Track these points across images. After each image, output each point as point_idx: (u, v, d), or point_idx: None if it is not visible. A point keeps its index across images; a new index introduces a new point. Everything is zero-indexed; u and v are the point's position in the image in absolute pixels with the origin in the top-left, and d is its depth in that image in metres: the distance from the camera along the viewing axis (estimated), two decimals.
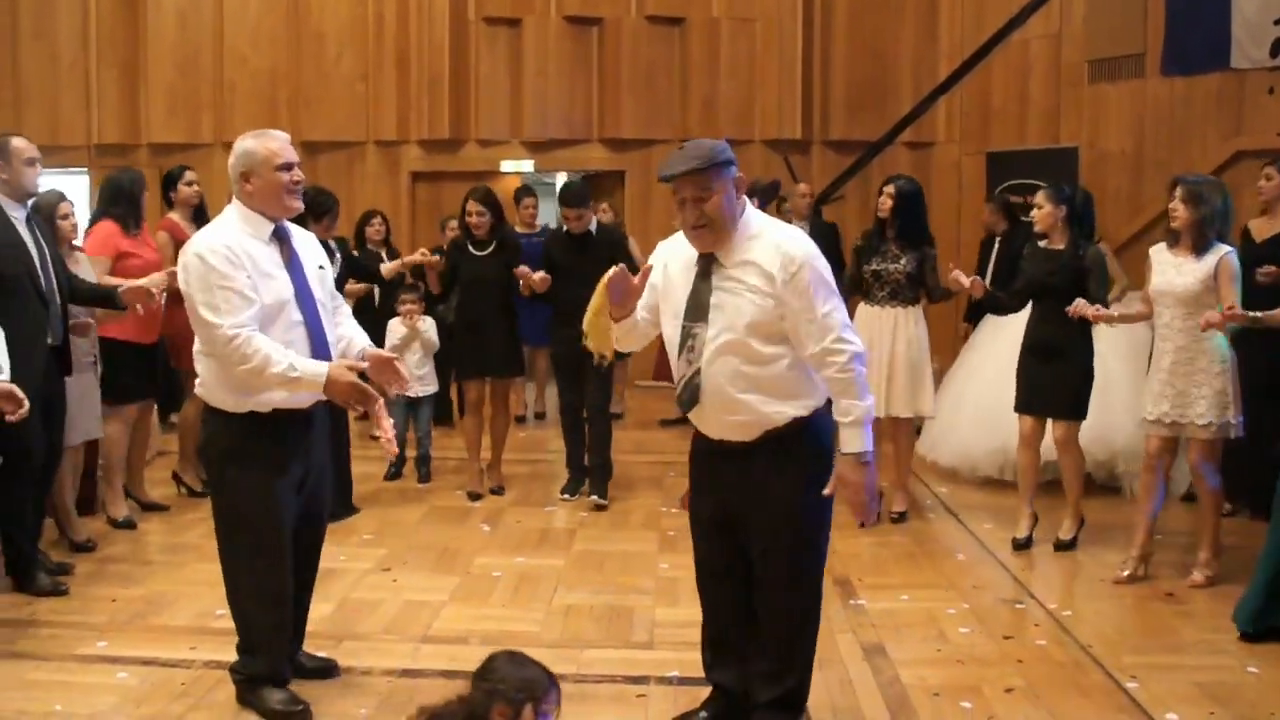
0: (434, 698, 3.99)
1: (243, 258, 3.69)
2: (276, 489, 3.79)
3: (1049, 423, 6.01)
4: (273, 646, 3.90)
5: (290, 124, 11.11)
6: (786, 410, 3.43)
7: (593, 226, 6.99)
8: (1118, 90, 10.28)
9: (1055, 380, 5.88)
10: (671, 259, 3.60)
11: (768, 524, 3.49)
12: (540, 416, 9.63)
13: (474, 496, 6.97)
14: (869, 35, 11.53)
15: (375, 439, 7.87)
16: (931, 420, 7.27)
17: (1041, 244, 6.04)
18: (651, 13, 11.33)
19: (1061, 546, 5.97)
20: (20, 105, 11.26)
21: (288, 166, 3.82)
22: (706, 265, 3.45)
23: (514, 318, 7.01)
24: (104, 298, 5.37)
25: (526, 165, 11.62)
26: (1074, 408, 5.90)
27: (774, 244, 3.40)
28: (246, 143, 3.84)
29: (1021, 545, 6.01)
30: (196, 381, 3.89)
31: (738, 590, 3.68)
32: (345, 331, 4.09)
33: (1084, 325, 5.76)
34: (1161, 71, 9.87)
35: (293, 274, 3.84)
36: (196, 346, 3.82)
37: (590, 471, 6.99)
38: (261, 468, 3.76)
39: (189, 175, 6.83)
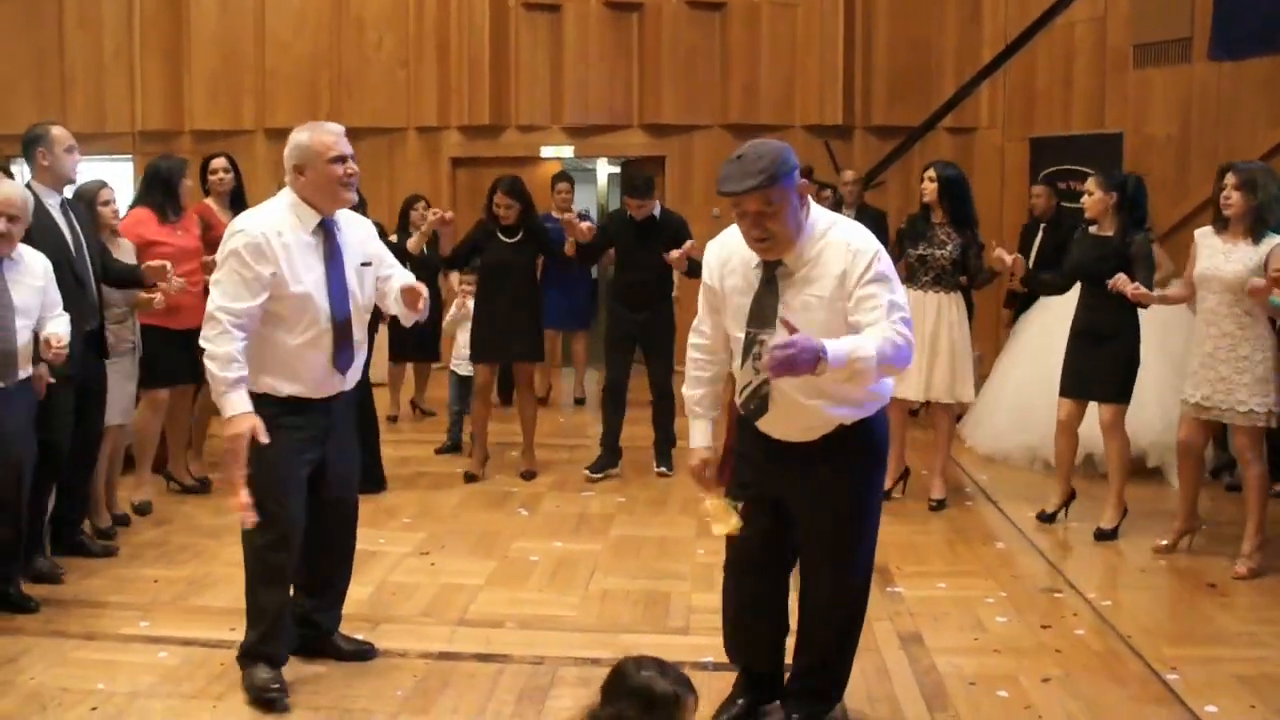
0: (470, 681, 4.06)
1: (277, 249, 3.71)
2: (283, 470, 3.79)
3: (1091, 407, 6.00)
4: (269, 624, 3.90)
5: (331, 110, 11.17)
6: (848, 411, 3.39)
7: (656, 212, 7.12)
8: (1163, 75, 10.12)
9: (1103, 364, 5.86)
10: (729, 260, 3.45)
11: (822, 516, 3.48)
12: (580, 402, 9.64)
13: (470, 478, 7.02)
14: (911, 19, 11.42)
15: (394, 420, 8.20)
16: (972, 407, 7.35)
17: (1091, 230, 6.00)
18: None
19: (1103, 536, 5.93)
20: (66, 92, 11.38)
21: (341, 159, 3.81)
22: (772, 270, 3.33)
23: (538, 304, 7.10)
24: (130, 277, 5.57)
25: (566, 151, 11.61)
26: (1120, 391, 5.88)
27: (844, 243, 3.27)
28: (300, 135, 3.84)
29: (1046, 519, 6.17)
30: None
31: (776, 580, 3.67)
32: (394, 282, 4.11)
33: (1132, 310, 5.74)
34: (1208, 56, 9.69)
35: (330, 270, 3.84)
36: None
37: (655, 445, 7.27)
38: (272, 448, 3.68)
39: (214, 164, 6.82)
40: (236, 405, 3.62)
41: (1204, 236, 5.45)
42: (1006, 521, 6.30)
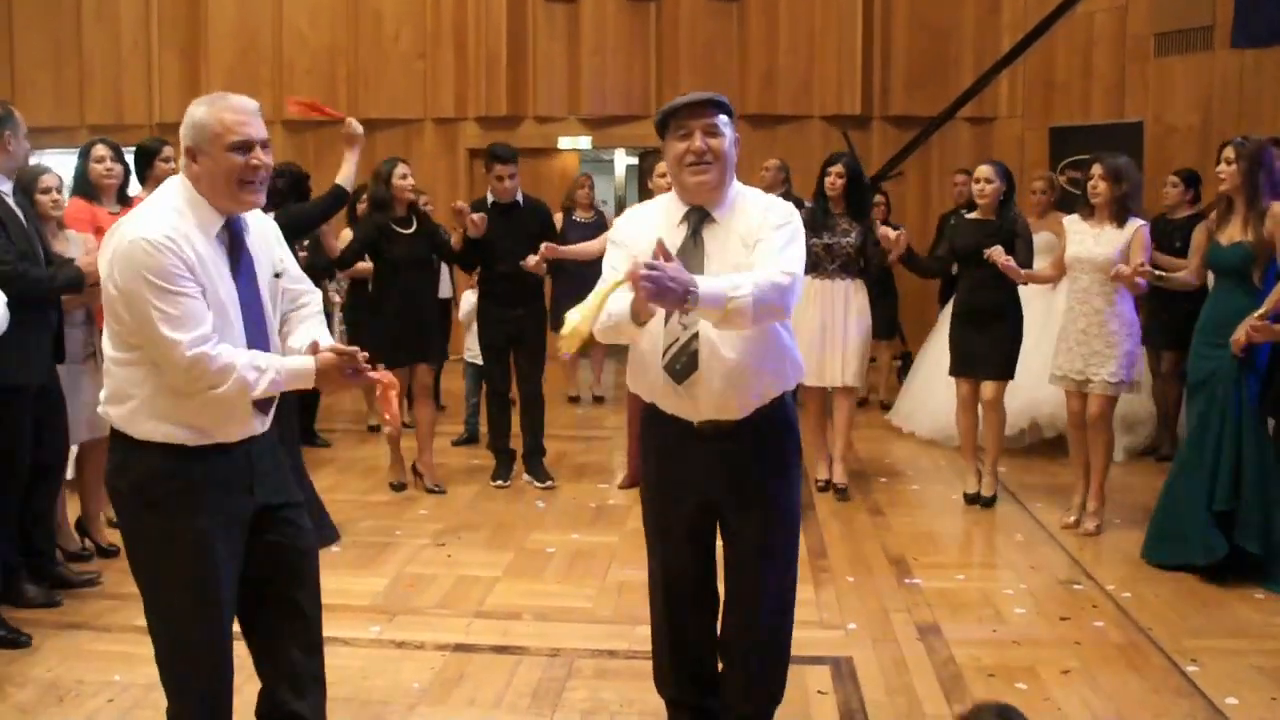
0: (486, 673, 4.05)
1: (189, 255, 2.77)
2: (209, 537, 2.83)
3: (981, 384, 6.35)
4: None
5: (348, 102, 11.24)
6: (775, 380, 3.22)
7: (519, 198, 6.75)
8: (1185, 63, 10.07)
9: (987, 343, 6.24)
10: (643, 226, 3.28)
11: (754, 514, 3.26)
12: (600, 400, 9.63)
13: (398, 487, 6.66)
14: (930, 8, 11.39)
15: (375, 429, 7.91)
16: (903, 392, 8.34)
17: (969, 215, 6.40)
18: None
19: (986, 503, 6.36)
20: (84, 85, 11.45)
21: (244, 146, 2.84)
22: (698, 222, 3.21)
23: (433, 302, 6.89)
24: (71, 278, 4.76)
25: (584, 142, 11.61)
26: (1004, 368, 6.28)
27: (765, 202, 3.25)
28: (198, 109, 2.89)
29: (974, 499, 6.42)
30: (103, 397, 2.92)
31: (709, 605, 3.45)
32: (305, 333, 3.12)
33: (1013, 290, 6.21)
34: (1231, 44, 9.64)
35: (240, 284, 2.92)
36: (112, 350, 2.87)
37: (525, 457, 6.87)
38: (187, 509, 2.82)
39: (167, 151, 6.00)
40: (300, 365, 2.91)
41: (1073, 223, 5.85)
42: (1025, 514, 6.27)
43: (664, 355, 3.16)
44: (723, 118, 3.20)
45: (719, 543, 3.38)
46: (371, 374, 2.96)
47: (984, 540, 5.85)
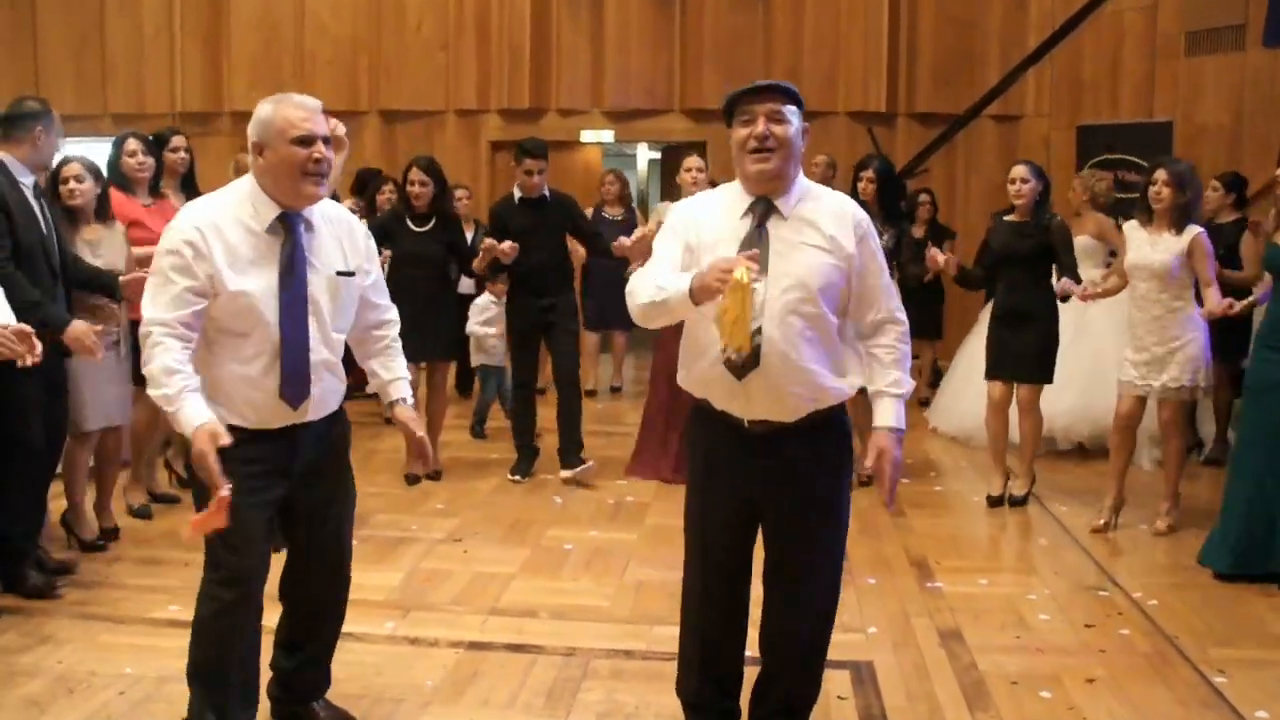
0: (501, 671, 3.99)
1: (215, 248, 3.02)
2: (241, 510, 3.02)
3: (1017, 387, 6.33)
4: (227, 697, 3.23)
5: (370, 93, 11.20)
6: (838, 387, 3.13)
7: (546, 192, 6.75)
8: (1215, 62, 9.92)
9: (1024, 345, 6.21)
10: (703, 214, 3.20)
11: (803, 520, 3.18)
12: (616, 390, 9.59)
13: (412, 479, 6.65)
14: (956, 4, 11.23)
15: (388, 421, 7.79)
16: (943, 392, 8.45)
17: (1007, 218, 6.36)
18: None
19: (1015, 502, 6.35)
20: (106, 75, 11.40)
21: (307, 140, 3.06)
22: (764, 212, 3.10)
23: (450, 299, 6.91)
24: (103, 286, 4.98)
25: (607, 135, 11.53)
26: (1040, 371, 6.25)
27: (838, 204, 3.17)
28: (264, 108, 3.12)
29: (996, 502, 6.37)
30: None
31: (744, 608, 3.37)
32: (393, 368, 3.49)
33: (1050, 292, 6.18)
34: (1263, 43, 9.49)
35: (287, 275, 3.10)
36: None
37: (560, 449, 6.79)
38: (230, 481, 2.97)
39: (175, 141, 6.21)
40: (190, 417, 2.93)
41: (1133, 229, 5.82)
42: (1049, 517, 6.19)
43: (724, 349, 3.04)
44: (790, 106, 3.11)
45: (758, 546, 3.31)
46: (219, 478, 2.91)
47: (1008, 544, 5.78)
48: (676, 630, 4.28)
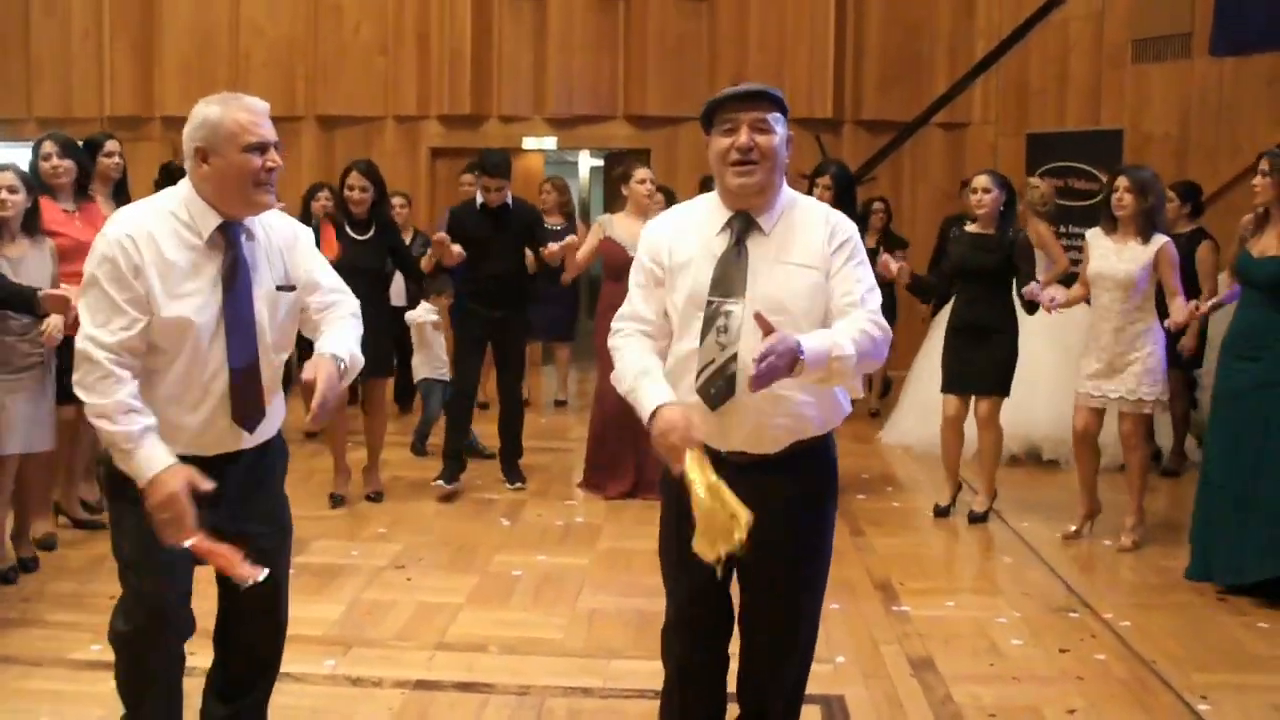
0: (450, 713, 3.73)
1: (148, 262, 2.74)
2: (150, 541, 2.75)
3: (973, 400, 6.22)
4: None
5: (307, 98, 10.93)
6: (821, 416, 2.92)
7: (509, 200, 6.52)
8: (1163, 71, 9.90)
9: (984, 359, 6.06)
10: (674, 232, 2.97)
11: (784, 556, 2.94)
12: (561, 404, 9.35)
13: (337, 499, 6.31)
14: (903, 10, 11.18)
15: (312, 436, 7.57)
16: (901, 408, 8.26)
17: (970, 228, 6.22)
18: None
19: (975, 519, 6.20)
20: (31, 78, 11.00)
21: (259, 147, 2.81)
22: (743, 229, 2.87)
23: (389, 311, 6.63)
24: (23, 302, 4.57)
25: (549, 142, 11.32)
26: (1000, 385, 6.11)
27: (821, 212, 2.95)
28: (209, 109, 2.81)
29: (942, 513, 6.32)
30: None
31: (728, 641, 3.11)
32: (327, 339, 3.02)
33: (1012, 306, 6.07)
34: (1210, 52, 9.48)
35: (229, 295, 2.84)
36: None
37: (502, 457, 6.81)
38: (140, 514, 2.73)
39: (109, 146, 5.92)
40: (154, 462, 2.69)
41: (1095, 237, 5.72)
42: (1010, 532, 6.04)
43: (699, 376, 2.84)
44: (775, 113, 2.87)
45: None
46: (193, 543, 2.69)
47: (972, 563, 5.61)
48: (635, 664, 4.10)
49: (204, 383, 2.84)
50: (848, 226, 2.93)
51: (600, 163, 12.61)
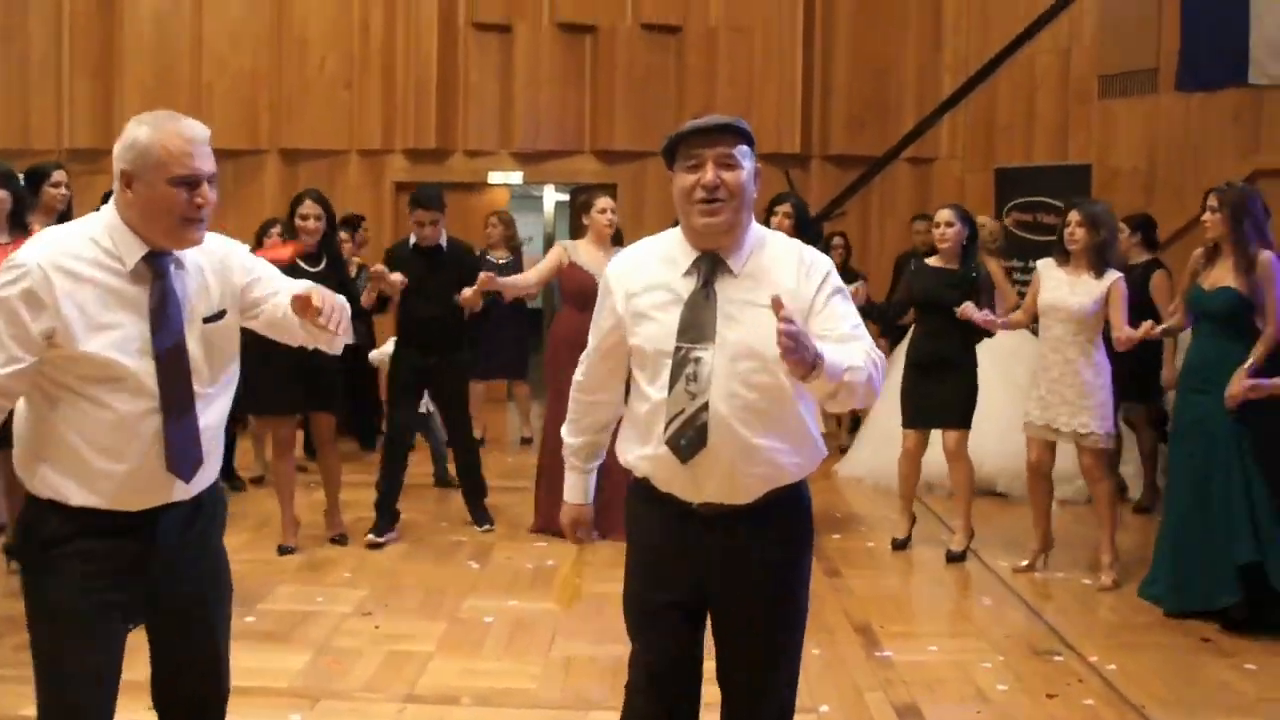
0: None
1: (61, 296, 2.45)
2: (76, 626, 2.55)
3: (935, 434, 6.19)
4: None
5: (270, 131, 10.78)
6: (796, 463, 2.73)
7: (443, 241, 6.38)
8: (1129, 106, 9.95)
9: (946, 392, 6.04)
10: (643, 274, 2.77)
11: (759, 610, 2.75)
12: (527, 441, 9.20)
13: (285, 550, 6.03)
14: (871, 47, 11.18)
15: (258, 481, 7.41)
16: (860, 442, 8.28)
17: (930, 261, 6.21)
18: (647, 20, 10.94)
19: (953, 558, 6.08)
20: None
21: (189, 181, 2.53)
22: (710, 270, 2.68)
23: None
24: None
25: (515, 177, 11.22)
26: (964, 417, 6.08)
27: (795, 251, 2.74)
28: (139, 129, 2.55)
29: (900, 546, 6.29)
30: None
31: (697, 698, 2.89)
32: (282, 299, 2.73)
33: (970, 339, 6.04)
34: (1176, 87, 9.54)
35: (160, 327, 2.55)
36: None
37: (466, 498, 6.67)
38: (61, 581, 2.53)
39: (56, 175, 5.79)
40: None
41: (1047, 268, 5.74)
42: (987, 572, 5.95)
43: (667, 427, 2.66)
44: (741, 146, 2.68)
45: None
46: None
47: (951, 604, 5.51)
48: (613, 716, 3.91)
49: (131, 425, 2.53)
50: (823, 262, 2.74)
51: (566, 198, 12.52)
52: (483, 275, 6.10)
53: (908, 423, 6.23)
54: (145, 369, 2.52)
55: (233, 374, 2.75)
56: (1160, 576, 5.32)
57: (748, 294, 2.65)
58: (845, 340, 2.61)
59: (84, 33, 10.77)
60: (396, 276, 6.02)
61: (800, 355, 2.34)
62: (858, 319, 2.72)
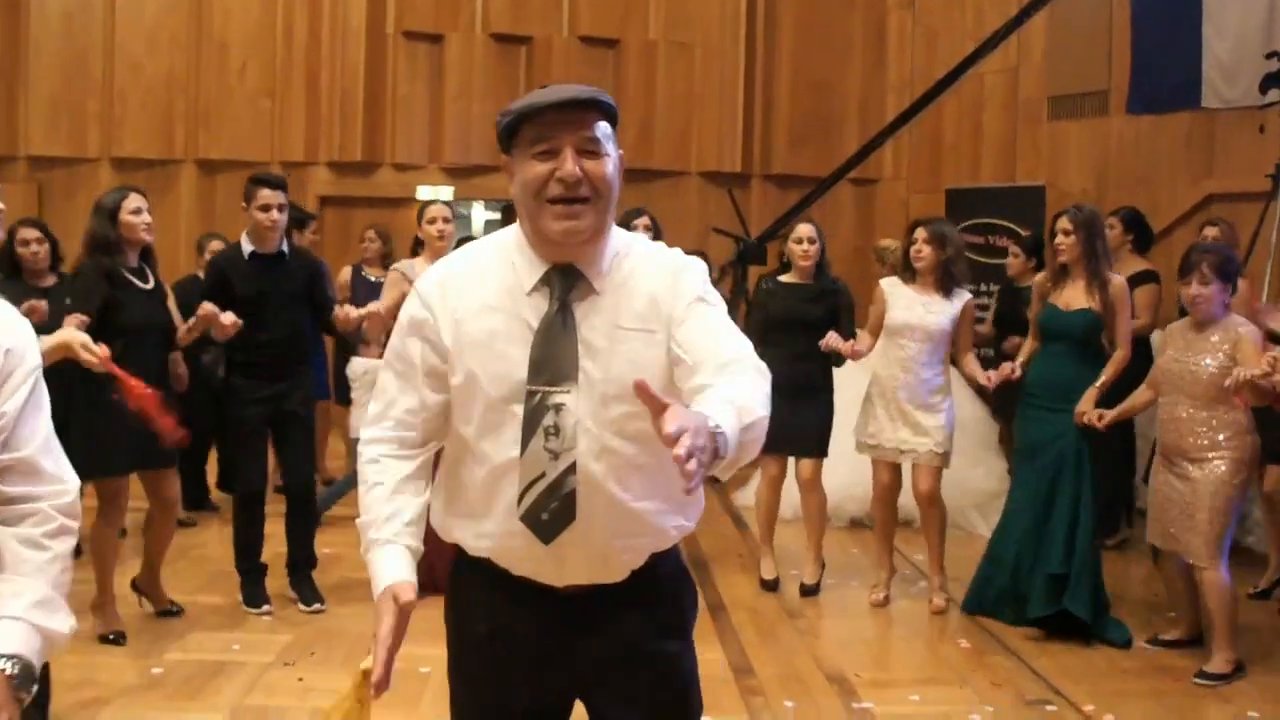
0: None
1: None
2: None
3: (792, 462, 5.93)
4: None
5: (187, 140, 10.22)
6: (679, 524, 2.18)
7: (285, 247, 5.34)
8: (1079, 128, 9.77)
9: (805, 419, 5.71)
10: (461, 294, 2.12)
11: (644, 699, 2.19)
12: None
13: (116, 638, 4.82)
14: (814, 64, 10.91)
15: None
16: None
17: (783, 279, 5.94)
18: (585, 33, 10.58)
19: (807, 591, 5.80)
20: None
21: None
22: (566, 288, 2.08)
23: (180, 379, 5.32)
24: None
25: (445, 192, 10.73)
26: (820, 446, 5.85)
27: (665, 256, 2.17)
28: None
29: (770, 586, 5.88)
30: None
31: None
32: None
33: (828, 364, 5.77)
34: (1127, 110, 9.37)
35: None
36: None
37: (291, 568, 5.47)
38: None
39: (24, 234, 5.51)
40: None
41: (894, 286, 5.61)
42: (954, 608, 5.57)
43: (521, 498, 2.05)
44: (604, 126, 2.08)
45: None
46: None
47: (927, 649, 5.13)
48: None
49: None
50: (698, 265, 2.16)
51: (496, 215, 12.08)
52: (353, 312, 5.36)
53: (767, 449, 5.74)
54: None
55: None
56: (981, 583, 5.43)
57: (613, 316, 2.08)
58: (726, 369, 1.97)
59: None
60: (229, 318, 4.90)
61: (703, 468, 1.66)
62: (730, 326, 2.10)
